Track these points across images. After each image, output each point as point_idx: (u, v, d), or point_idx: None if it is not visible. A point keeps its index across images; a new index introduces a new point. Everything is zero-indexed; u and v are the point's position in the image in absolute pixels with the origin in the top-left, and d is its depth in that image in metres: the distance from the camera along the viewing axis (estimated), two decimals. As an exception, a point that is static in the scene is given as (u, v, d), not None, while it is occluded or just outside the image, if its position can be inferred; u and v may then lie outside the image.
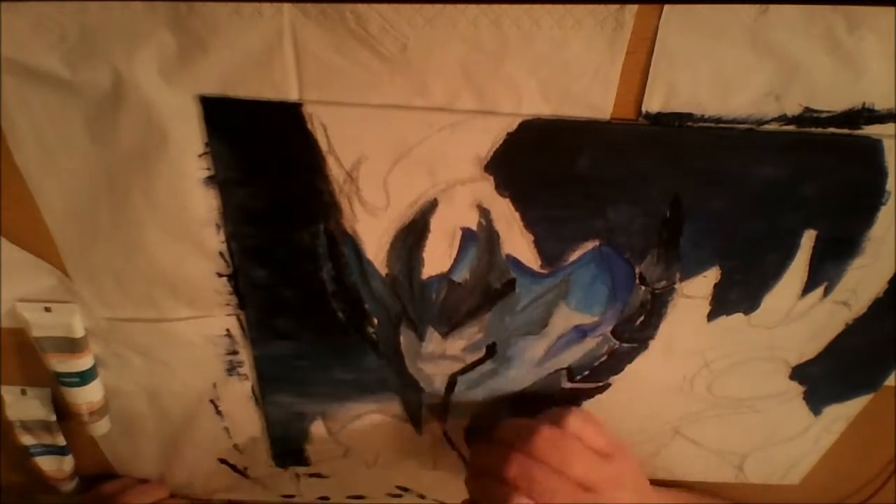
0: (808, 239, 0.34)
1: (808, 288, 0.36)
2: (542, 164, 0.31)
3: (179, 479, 0.50)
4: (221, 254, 0.34)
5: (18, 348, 0.39)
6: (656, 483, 0.49)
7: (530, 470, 0.35)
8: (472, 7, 0.26)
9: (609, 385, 0.42)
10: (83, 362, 0.38)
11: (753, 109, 0.29)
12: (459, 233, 0.34)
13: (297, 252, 0.34)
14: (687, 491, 0.49)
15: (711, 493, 0.50)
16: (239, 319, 0.38)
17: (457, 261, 0.35)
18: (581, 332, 0.38)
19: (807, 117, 0.29)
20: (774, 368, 0.41)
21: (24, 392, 0.42)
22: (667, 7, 0.26)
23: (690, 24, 0.27)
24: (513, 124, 0.30)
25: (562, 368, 0.41)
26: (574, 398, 0.42)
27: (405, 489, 0.51)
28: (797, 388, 0.42)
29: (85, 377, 0.39)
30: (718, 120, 0.29)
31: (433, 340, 0.39)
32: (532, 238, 0.34)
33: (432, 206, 0.33)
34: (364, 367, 0.40)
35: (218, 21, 0.26)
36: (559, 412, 0.37)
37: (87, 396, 0.40)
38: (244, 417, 0.44)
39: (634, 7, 0.26)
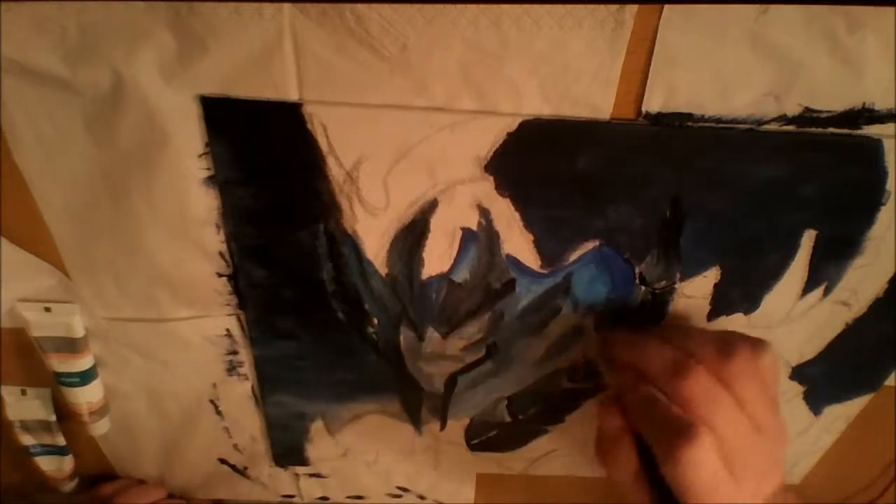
0: (808, 239, 0.34)
1: (808, 288, 0.36)
2: (542, 164, 0.31)
3: (179, 479, 0.50)
4: (221, 254, 0.34)
5: (18, 348, 0.39)
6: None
7: (714, 393, 0.29)
8: (472, 7, 0.26)
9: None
10: (83, 362, 0.38)
11: (753, 109, 0.29)
12: (459, 233, 0.34)
13: (297, 252, 0.34)
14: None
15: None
16: (239, 319, 0.38)
17: (457, 261, 0.35)
18: (581, 333, 0.38)
19: (807, 117, 0.29)
20: (774, 368, 0.41)
21: (24, 392, 0.42)
22: (667, 7, 0.26)
23: (690, 25, 0.27)
24: (513, 124, 0.30)
25: (562, 368, 0.41)
26: (574, 398, 0.42)
27: (405, 489, 0.51)
28: (797, 388, 0.42)
29: (85, 377, 0.39)
30: (718, 120, 0.29)
31: (433, 340, 0.39)
32: (532, 238, 0.34)
33: (432, 206, 0.33)
34: (364, 367, 0.40)
35: (218, 21, 0.26)
36: (753, 338, 0.32)
37: (87, 396, 0.40)
38: (244, 417, 0.44)
39: (634, 7, 0.26)
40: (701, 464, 0.29)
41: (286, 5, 0.26)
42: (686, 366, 0.30)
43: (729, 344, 0.31)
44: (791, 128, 0.30)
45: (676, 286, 0.36)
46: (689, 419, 0.29)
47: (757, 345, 0.31)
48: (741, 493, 0.30)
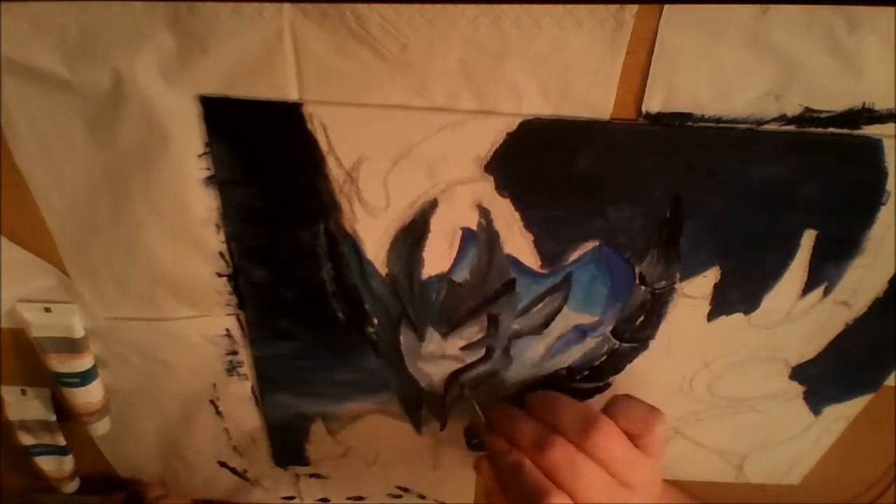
0: (808, 239, 0.34)
1: (808, 288, 0.36)
2: (542, 164, 0.31)
3: (179, 479, 0.50)
4: (221, 254, 0.34)
5: (18, 348, 0.39)
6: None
7: (576, 461, 0.33)
8: (472, 7, 0.26)
9: (609, 385, 0.42)
10: (83, 362, 0.38)
11: (753, 109, 0.29)
12: (459, 233, 0.34)
13: (297, 252, 0.34)
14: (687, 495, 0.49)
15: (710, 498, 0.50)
16: (239, 319, 0.38)
17: (457, 261, 0.35)
18: (581, 332, 0.38)
19: (807, 117, 0.29)
20: (774, 368, 0.41)
21: (24, 392, 0.42)
22: (667, 7, 0.26)
23: (690, 25, 0.27)
24: (513, 124, 0.30)
25: (562, 368, 0.41)
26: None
27: (405, 489, 0.51)
28: (797, 388, 0.42)
29: (85, 377, 0.39)
30: (718, 120, 0.29)
31: (433, 340, 0.39)
32: (532, 238, 0.34)
33: (432, 206, 0.33)
34: (364, 367, 0.40)
35: (218, 21, 0.26)
36: (629, 408, 0.35)
37: (87, 397, 0.40)
38: (244, 417, 0.44)
39: (634, 7, 0.26)
40: None
41: (286, 5, 0.26)
42: (549, 440, 0.34)
43: (591, 419, 0.34)
44: (791, 128, 0.30)
45: (676, 286, 0.36)
46: (544, 487, 0.33)
47: (637, 420, 0.34)
48: None
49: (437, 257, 0.35)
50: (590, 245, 0.34)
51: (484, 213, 0.33)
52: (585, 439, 0.33)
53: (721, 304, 0.37)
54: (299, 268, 0.35)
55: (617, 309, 0.37)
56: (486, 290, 0.36)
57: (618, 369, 0.41)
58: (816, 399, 0.43)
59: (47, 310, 0.36)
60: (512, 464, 0.35)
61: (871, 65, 0.28)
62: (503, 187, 0.32)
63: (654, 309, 0.37)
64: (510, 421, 0.37)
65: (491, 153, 0.31)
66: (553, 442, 0.33)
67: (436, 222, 0.33)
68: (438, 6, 0.26)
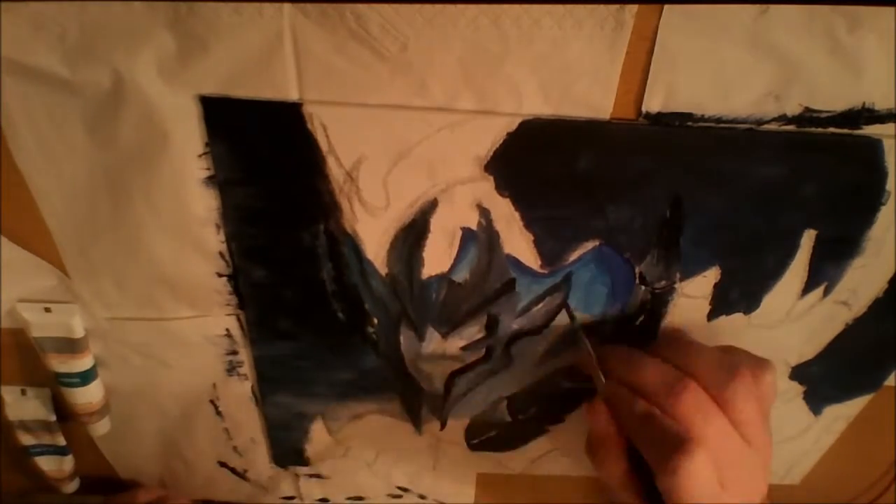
0: (808, 239, 0.34)
1: (808, 288, 0.36)
2: (542, 164, 0.31)
3: (179, 480, 0.50)
4: (221, 254, 0.34)
5: (18, 348, 0.39)
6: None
7: (709, 411, 0.31)
8: (472, 7, 0.26)
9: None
10: (83, 362, 0.38)
11: (753, 109, 0.29)
12: (459, 233, 0.34)
13: (297, 252, 0.34)
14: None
15: None
16: (239, 319, 0.38)
17: (457, 261, 0.35)
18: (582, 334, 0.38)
19: (807, 117, 0.29)
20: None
21: (24, 392, 0.42)
22: (667, 7, 0.26)
23: (690, 24, 0.27)
24: (513, 124, 0.30)
25: (562, 368, 0.41)
26: (574, 398, 0.42)
27: (405, 489, 0.51)
28: (797, 388, 0.42)
29: (85, 377, 0.39)
30: (718, 120, 0.29)
31: (433, 340, 0.39)
32: (532, 238, 0.34)
33: (432, 206, 0.33)
34: (364, 367, 0.40)
35: (218, 21, 0.26)
36: (755, 359, 0.33)
37: (88, 397, 0.40)
38: (244, 418, 0.44)
39: (634, 7, 0.26)
40: (694, 476, 0.30)
41: (286, 5, 0.26)
42: (682, 384, 0.31)
43: (731, 366, 0.32)
44: (791, 128, 0.30)
45: (676, 286, 0.36)
46: (684, 433, 0.30)
47: (759, 366, 0.32)
48: None
49: (437, 257, 0.35)
50: (590, 245, 0.34)
51: (484, 213, 0.33)
52: (724, 388, 0.31)
53: (721, 303, 0.37)
54: (299, 268, 0.35)
55: (617, 309, 0.37)
56: (486, 290, 0.36)
57: (618, 369, 0.41)
58: (816, 399, 0.43)
59: (47, 310, 0.36)
60: (642, 413, 0.32)
61: (871, 65, 0.28)
62: (503, 187, 0.32)
63: (654, 309, 0.37)
64: (632, 363, 0.34)
65: (491, 153, 0.31)
66: (686, 386, 0.31)
67: (436, 222, 0.33)
68: (438, 6, 0.26)
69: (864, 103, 0.29)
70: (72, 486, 0.48)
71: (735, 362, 0.32)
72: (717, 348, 0.34)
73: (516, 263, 0.35)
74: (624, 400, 0.33)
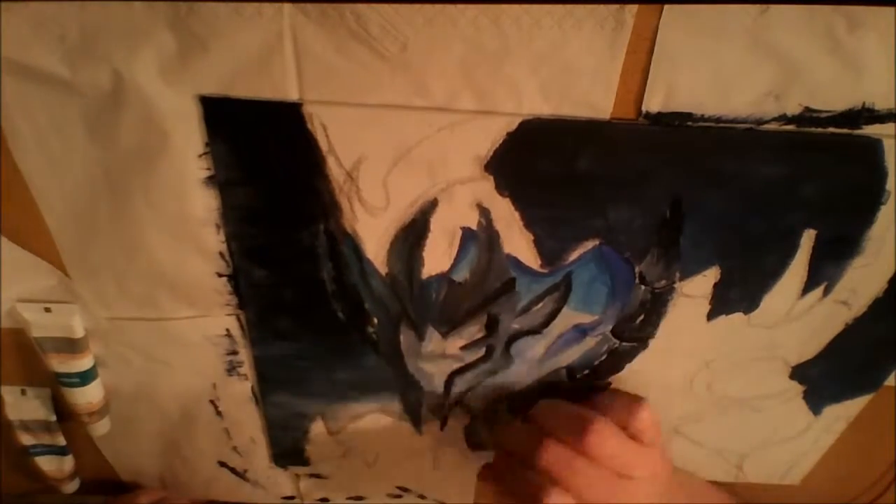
0: (808, 238, 0.34)
1: (807, 287, 0.36)
2: (542, 164, 0.31)
3: (179, 480, 0.50)
4: (221, 254, 0.34)
5: (18, 348, 0.39)
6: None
7: (572, 462, 0.34)
8: (472, 7, 0.26)
9: (609, 384, 0.42)
10: (83, 362, 0.38)
11: (753, 109, 0.29)
12: (459, 232, 0.34)
13: (297, 252, 0.34)
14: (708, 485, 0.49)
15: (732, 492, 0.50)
16: (239, 319, 0.38)
17: (457, 260, 0.35)
18: (581, 332, 0.38)
19: (807, 117, 0.29)
20: (774, 368, 0.41)
21: (24, 392, 0.42)
22: (667, 7, 0.26)
23: (690, 24, 0.27)
24: (513, 124, 0.30)
25: (562, 368, 0.41)
26: (574, 398, 0.42)
27: (405, 489, 0.51)
28: (797, 388, 0.42)
29: (85, 377, 0.39)
30: (718, 120, 0.29)
31: (433, 340, 0.39)
32: (532, 238, 0.34)
33: (432, 205, 0.33)
34: (364, 367, 0.40)
35: (218, 21, 0.26)
36: (615, 401, 0.36)
37: (88, 397, 0.40)
38: (244, 418, 0.44)
39: (634, 7, 0.26)
40: None
41: (286, 5, 0.26)
42: (541, 442, 0.35)
43: (584, 418, 0.35)
44: (791, 128, 0.30)
45: (676, 286, 0.36)
46: (542, 484, 0.34)
47: (629, 408, 0.36)
48: None
49: (437, 257, 0.35)
50: (590, 245, 0.34)
51: (484, 212, 0.33)
52: (580, 441, 0.34)
53: (721, 303, 0.37)
54: (299, 268, 0.35)
55: (617, 308, 0.37)
56: (486, 289, 0.36)
57: (618, 369, 0.41)
58: (816, 399, 0.43)
59: (47, 310, 0.36)
60: (511, 471, 0.36)
61: (871, 65, 0.28)
62: (503, 187, 0.32)
63: (654, 308, 0.37)
64: (508, 432, 0.38)
65: (491, 153, 0.31)
66: (544, 444, 0.35)
67: (436, 222, 0.33)
68: (438, 6, 0.26)
69: (864, 103, 0.29)
70: (72, 486, 0.48)
71: (587, 417, 0.35)
72: (576, 405, 0.37)
73: (516, 263, 0.35)
74: (500, 463, 0.38)
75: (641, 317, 0.38)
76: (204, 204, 0.32)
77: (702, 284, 0.36)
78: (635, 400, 0.36)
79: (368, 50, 0.27)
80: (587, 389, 0.42)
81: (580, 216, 0.33)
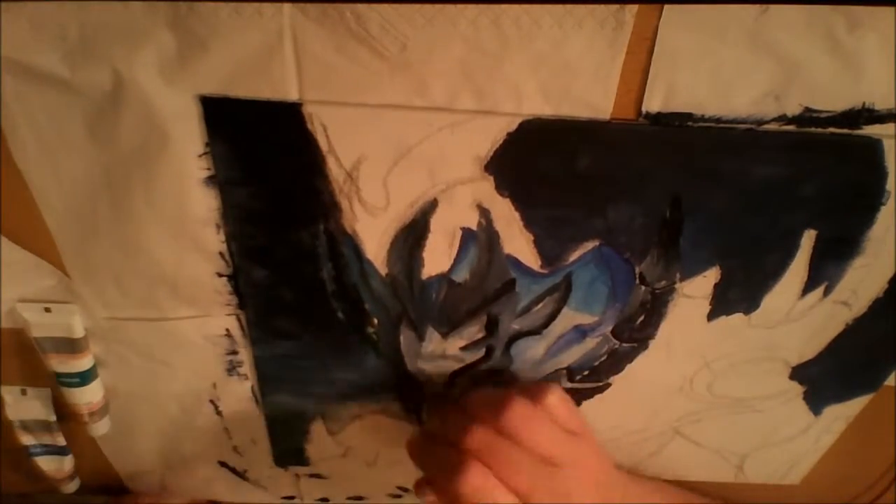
0: (808, 239, 0.34)
1: (808, 288, 0.36)
2: (542, 164, 0.31)
3: (179, 480, 0.50)
4: (221, 254, 0.34)
5: (18, 348, 0.39)
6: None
7: (493, 443, 0.34)
8: (472, 7, 0.26)
9: (609, 385, 0.42)
10: (83, 362, 0.38)
11: (753, 109, 0.29)
12: (459, 233, 0.34)
13: (297, 252, 0.34)
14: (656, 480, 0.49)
15: (692, 488, 0.50)
16: (239, 319, 0.38)
17: (457, 261, 0.35)
18: (581, 332, 0.38)
19: (807, 117, 0.29)
20: (774, 368, 0.41)
21: (24, 392, 0.42)
22: (667, 7, 0.26)
23: (690, 25, 0.27)
24: (513, 124, 0.30)
25: (561, 368, 0.41)
26: (574, 398, 0.42)
27: (405, 489, 0.51)
28: (797, 388, 0.42)
29: (85, 377, 0.39)
30: (718, 120, 0.29)
31: (433, 340, 0.39)
32: (532, 238, 0.34)
33: (432, 206, 0.33)
34: (364, 367, 0.40)
35: (218, 21, 0.26)
36: (535, 386, 0.36)
37: (88, 397, 0.40)
38: (244, 417, 0.44)
39: (634, 7, 0.26)
40: (482, 493, 0.33)
41: (286, 5, 0.26)
42: (465, 426, 0.35)
43: (501, 401, 0.35)
44: (791, 128, 0.30)
45: (676, 286, 0.36)
46: (464, 461, 0.34)
47: (538, 392, 0.36)
48: None
49: (437, 257, 0.35)
50: (590, 245, 0.34)
51: (484, 213, 0.33)
52: (498, 419, 0.34)
53: (721, 304, 0.37)
54: (299, 268, 0.35)
55: (617, 309, 0.37)
56: (486, 290, 0.36)
57: (618, 369, 0.41)
58: (816, 399, 0.43)
59: (47, 310, 0.36)
60: (434, 448, 0.36)
61: (871, 65, 0.28)
62: (503, 187, 0.32)
63: (654, 309, 0.37)
64: (437, 415, 0.38)
65: (491, 153, 0.31)
66: (469, 428, 0.34)
67: (436, 222, 0.33)
68: (438, 6, 0.26)
69: (864, 103, 0.29)
70: (72, 486, 0.48)
71: (505, 396, 0.35)
72: (498, 388, 0.37)
73: (516, 263, 0.35)
74: (417, 443, 0.38)
75: (641, 317, 0.38)
76: (204, 204, 0.32)
77: (702, 285, 0.36)
78: (547, 384, 0.37)
79: (368, 50, 0.27)
80: (589, 390, 0.42)
81: (580, 216, 0.33)
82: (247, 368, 0.41)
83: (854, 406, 0.44)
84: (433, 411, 0.40)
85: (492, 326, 0.38)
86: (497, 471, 0.34)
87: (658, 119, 0.29)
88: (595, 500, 0.36)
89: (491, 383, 0.40)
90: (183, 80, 0.28)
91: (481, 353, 0.40)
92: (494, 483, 0.33)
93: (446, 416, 0.37)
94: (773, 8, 0.26)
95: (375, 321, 0.38)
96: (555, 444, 0.35)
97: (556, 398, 0.36)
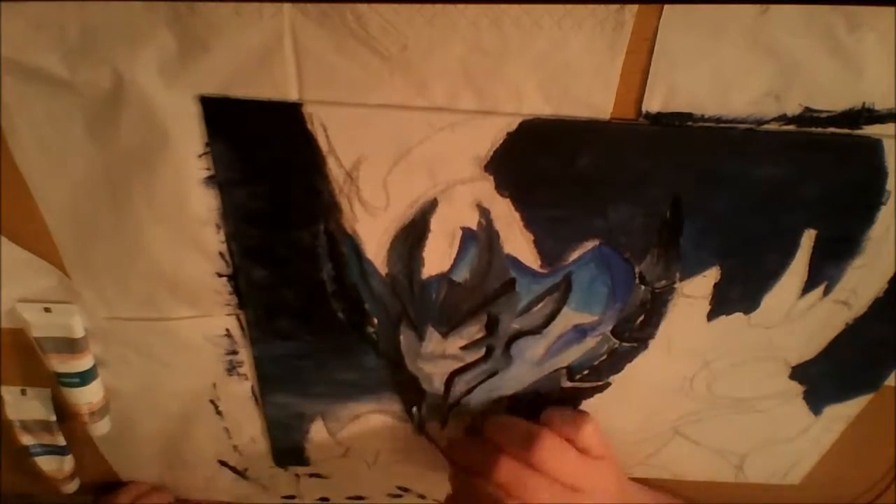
0: (808, 238, 0.34)
1: (807, 287, 0.36)
2: (542, 164, 0.31)
3: (179, 480, 0.50)
4: (221, 254, 0.34)
5: (18, 348, 0.39)
6: (652, 482, 0.49)
7: (521, 475, 0.36)
8: (472, 7, 0.26)
9: (609, 384, 0.42)
10: (83, 362, 0.38)
11: (753, 109, 0.29)
12: (459, 233, 0.34)
13: (297, 252, 0.34)
14: (670, 493, 0.49)
15: (691, 496, 0.50)
16: (239, 319, 0.38)
17: (457, 261, 0.35)
18: (581, 332, 0.38)
19: (807, 117, 0.29)
20: (774, 368, 0.41)
21: (24, 392, 0.42)
22: (667, 7, 0.26)
23: (690, 25, 0.27)
24: (513, 124, 0.30)
25: (561, 368, 0.41)
26: (574, 398, 0.42)
27: (405, 489, 0.51)
28: (797, 388, 0.42)
29: (85, 377, 0.39)
30: (718, 120, 0.29)
31: (433, 340, 0.39)
32: (532, 238, 0.34)
33: (432, 205, 0.33)
34: (364, 367, 0.40)
35: (218, 21, 0.26)
36: (570, 415, 0.38)
37: (88, 397, 0.40)
38: (244, 417, 0.44)
39: (634, 7, 0.26)
40: None
41: (286, 5, 0.26)
42: (495, 459, 0.36)
43: (532, 434, 0.37)
44: (791, 128, 0.30)
45: (676, 286, 0.36)
46: (497, 497, 0.36)
47: (572, 422, 0.38)
48: None
49: (437, 257, 0.35)
50: (590, 245, 0.34)
51: (484, 212, 0.33)
52: (530, 455, 0.36)
53: (721, 303, 0.37)
54: (299, 268, 0.35)
55: (617, 309, 0.37)
56: (486, 289, 0.36)
57: (617, 369, 0.41)
58: (816, 399, 0.43)
59: (47, 310, 0.36)
60: (469, 485, 0.38)
61: (871, 65, 0.28)
62: (503, 187, 0.32)
63: (654, 309, 0.37)
64: (463, 449, 0.40)
65: (491, 153, 0.31)
66: (498, 461, 0.36)
67: (436, 222, 0.33)
68: (438, 6, 0.26)
69: (864, 103, 0.29)
70: (72, 486, 0.48)
71: (536, 431, 0.37)
72: (525, 421, 0.39)
73: (516, 263, 0.35)
74: (456, 479, 0.40)
75: (641, 317, 0.38)
76: (204, 204, 0.32)
77: (702, 285, 0.36)
78: (580, 415, 0.38)
79: (368, 50, 0.27)
80: (589, 390, 0.42)
81: (580, 216, 0.33)
82: (247, 368, 0.41)
83: (854, 406, 0.44)
84: (454, 444, 0.42)
85: (492, 326, 0.38)
86: (522, 500, 0.35)
87: (658, 119, 0.29)
88: None
89: (520, 412, 0.41)
90: (183, 80, 0.28)
91: (481, 352, 0.40)
92: None
93: (471, 450, 0.39)
94: (773, 8, 0.26)
95: (375, 321, 0.38)
96: (580, 472, 0.36)
97: (591, 429, 0.37)
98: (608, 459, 0.39)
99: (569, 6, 0.26)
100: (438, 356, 0.40)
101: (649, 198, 0.32)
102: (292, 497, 0.52)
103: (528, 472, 0.36)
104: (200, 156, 0.31)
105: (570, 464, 0.37)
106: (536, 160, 0.31)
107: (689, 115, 0.29)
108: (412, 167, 0.31)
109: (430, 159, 0.31)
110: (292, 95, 0.29)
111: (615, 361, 0.40)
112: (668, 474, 0.49)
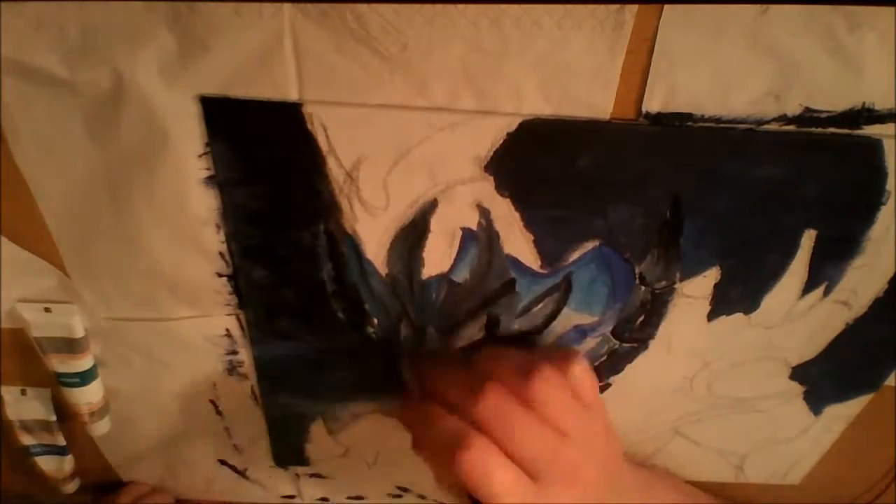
0: (808, 239, 0.34)
1: (808, 288, 0.36)
2: (542, 164, 0.31)
3: (179, 480, 0.50)
4: (221, 254, 0.34)
5: (18, 348, 0.39)
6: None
7: (506, 408, 0.31)
8: (472, 7, 0.26)
9: (609, 385, 0.42)
10: (83, 363, 0.38)
11: (753, 109, 0.29)
12: (459, 233, 0.34)
13: (297, 252, 0.34)
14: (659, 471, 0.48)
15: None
16: (239, 319, 0.38)
17: (457, 261, 0.35)
18: (581, 333, 0.38)
19: (807, 117, 0.29)
20: (774, 368, 0.41)
21: (24, 392, 0.42)
22: (667, 7, 0.26)
23: (690, 25, 0.27)
24: (513, 124, 0.30)
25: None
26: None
27: (405, 489, 0.51)
28: (797, 388, 0.42)
29: (85, 377, 0.39)
30: (718, 120, 0.29)
31: (433, 340, 0.39)
32: (532, 238, 0.34)
33: (432, 206, 0.33)
34: (364, 367, 0.40)
35: (218, 21, 0.26)
36: (559, 354, 0.34)
37: (88, 397, 0.40)
38: (244, 417, 0.44)
39: (634, 7, 0.26)
40: (478, 468, 0.30)
41: (286, 5, 0.26)
42: (480, 386, 0.32)
43: (528, 366, 0.32)
44: (791, 128, 0.30)
45: (676, 286, 0.36)
46: (463, 429, 0.31)
47: (565, 360, 0.33)
48: (549, 495, 0.32)
49: (437, 257, 0.35)
50: (590, 245, 0.34)
51: (484, 213, 0.33)
52: (525, 385, 0.32)
53: (721, 304, 0.37)
54: (299, 268, 0.35)
55: (617, 309, 0.37)
56: (486, 290, 0.36)
57: (618, 370, 0.41)
58: (816, 399, 0.43)
59: (47, 310, 0.36)
60: (432, 417, 0.33)
61: (871, 65, 0.28)
62: (503, 187, 0.32)
63: (654, 309, 0.37)
64: (445, 375, 0.35)
65: (491, 153, 0.31)
66: (486, 387, 0.32)
67: (436, 222, 0.33)
68: (438, 6, 0.26)
69: (864, 103, 0.29)
70: (72, 486, 0.48)
71: (533, 362, 0.32)
72: (521, 351, 0.35)
73: (516, 263, 0.35)
74: (411, 407, 0.35)
75: (641, 317, 0.38)
76: (204, 204, 0.32)
77: (702, 285, 0.36)
78: (572, 353, 0.34)
79: (368, 50, 0.27)
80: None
81: (580, 216, 0.33)
82: (247, 368, 0.41)
83: (854, 406, 0.44)
84: (437, 373, 0.36)
85: (492, 327, 0.38)
86: (503, 438, 0.31)
87: (658, 119, 0.29)
88: (599, 478, 0.34)
89: (509, 345, 0.37)
90: (183, 80, 0.28)
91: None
92: (496, 458, 0.31)
93: (453, 378, 0.34)
94: (773, 8, 0.26)
95: (375, 321, 0.38)
96: (571, 416, 0.32)
97: (581, 369, 0.34)
98: (600, 414, 0.35)
99: (569, 6, 0.26)
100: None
101: (649, 198, 0.32)
102: (292, 497, 0.52)
103: (515, 407, 0.31)
104: (200, 156, 0.31)
105: (563, 403, 0.32)
106: (536, 160, 0.31)
107: (689, 116, 0.29)
108: (412, 167, 0.31)
109: (430, 159, 0.31)
110: (292, 95, 0.29)
111: (615, 362, 0.40)
112: (668, 474, 0.49)
